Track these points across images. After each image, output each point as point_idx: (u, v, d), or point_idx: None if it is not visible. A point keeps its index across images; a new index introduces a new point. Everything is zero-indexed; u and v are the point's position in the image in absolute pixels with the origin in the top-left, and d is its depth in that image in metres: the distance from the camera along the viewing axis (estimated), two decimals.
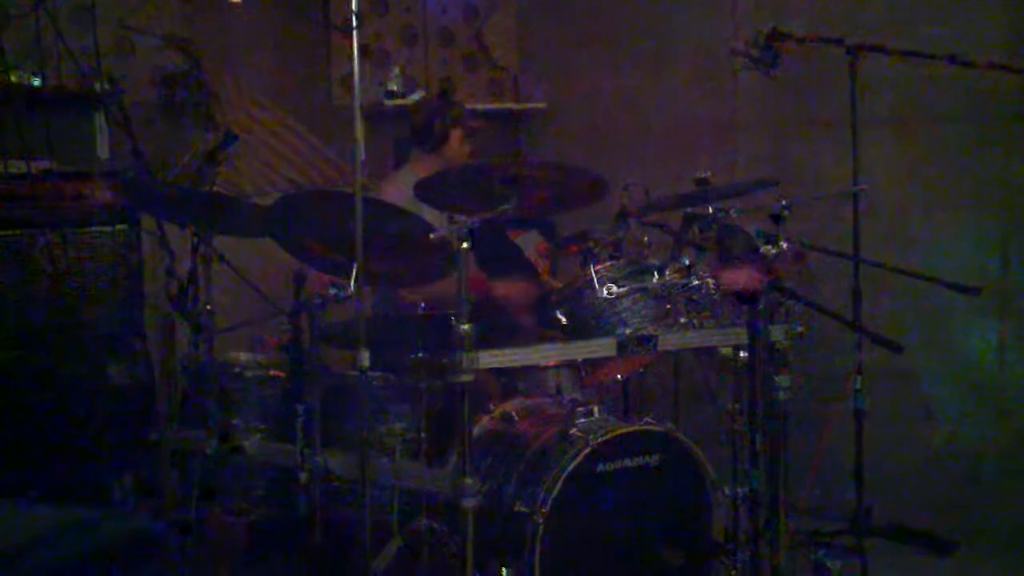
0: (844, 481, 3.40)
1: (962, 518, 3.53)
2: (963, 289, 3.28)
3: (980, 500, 3.51)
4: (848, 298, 3.33)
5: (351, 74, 2.68)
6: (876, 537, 3.41)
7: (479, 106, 4.48)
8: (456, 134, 3.83)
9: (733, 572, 2.95)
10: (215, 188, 3.13)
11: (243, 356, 3.16)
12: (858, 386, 3.40)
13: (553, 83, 4.81)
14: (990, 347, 3.59)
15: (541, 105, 4.87)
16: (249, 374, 3.05)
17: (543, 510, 2.70)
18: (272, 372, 3.04)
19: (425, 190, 2.90)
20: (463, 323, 2.60)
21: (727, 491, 3.02)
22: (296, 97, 4.48)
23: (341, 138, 4.55)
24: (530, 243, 4.36)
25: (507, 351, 2.74)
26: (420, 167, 3.79)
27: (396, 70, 4.65)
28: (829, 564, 3.37)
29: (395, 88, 4.61)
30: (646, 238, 3.18)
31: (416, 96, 4.58)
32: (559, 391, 3.30)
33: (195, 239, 3.04)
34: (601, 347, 2.85)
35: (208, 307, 3.05)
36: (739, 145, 4.02)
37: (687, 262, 3.09)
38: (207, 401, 2.97)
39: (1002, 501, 3.47)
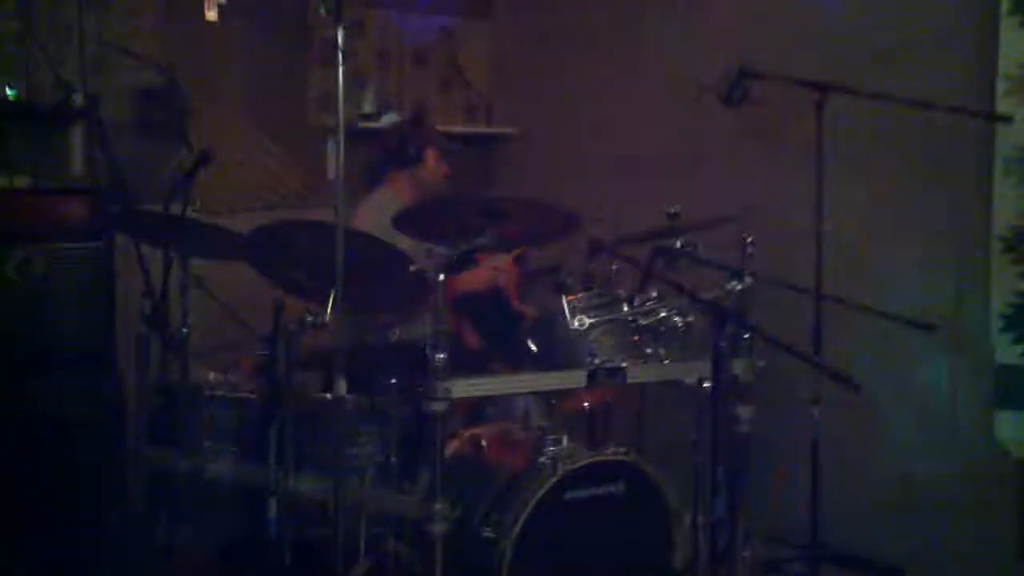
0: (801, 509, 3.51)
1: (911, 544, 3.64)
2: (919, 325, 3.41)
3: (929, 527, 3.63)
4: (809, 333, 3.46)
5: (326, 94, 2.73)
6: (828, 564, 3.52)
7: (452, 129, 4.55)
8: (431, 154, 3.89)
9: None
10: (191, 209, 3.18)
11: (213, 376, 3.20)
12: (816, 417, 3.52)
13: (526, 109, 4.88)
14: (942, 380, 3.71)
15: (513, 130, 4.94)
16: (219, 394, 3.09)
17: (511, 536, 2.76)
18: (243, 394, 3.08)
19: (403, 221, 2.95)
20: (438, 352, 2.67)
21: (688, 519, 3.12)
22: (271, 116, 4.52)
23: (314, 157, 4.61)
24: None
25: (481, 381, 2.81)
26: (395, 187, 3.85)
27: (369, 92, 4.71)
28: None
29: (369, 109, 4.66)
30: (615, 268, 3.26)
31: (389, 117, 4.64)
32: (527, 417, 3.38)
33: (169, 259, 3.09)
34: (572, 378, 2.92)
35: (184, 329, 3.10)
36: (708, 178, 4.11)
37: (654, 295, 3.18)
38: (178, 420, 3.02)
39: (950, 529, 3.59)
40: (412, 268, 2.63)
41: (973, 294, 3.63)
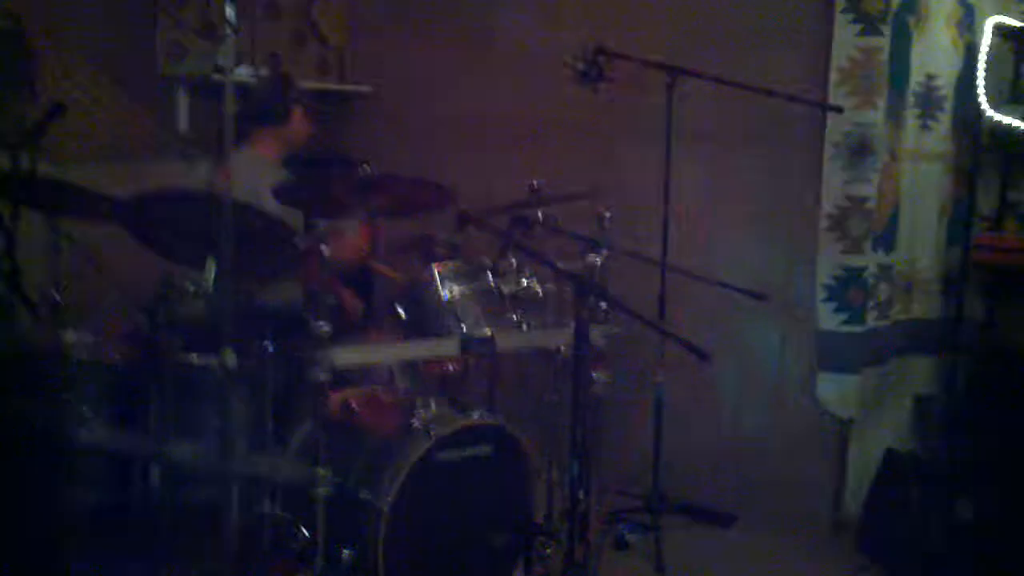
0: (645, 464, 3.79)
1: (743, 494, 4.00)
2: (752, 295, 3.71)
3: (759, 478, 3.98)
4: (656, 302, 3.71)
5: (177, 43, 2.71)
6: (669, 514, 3.83)
7: (305, 84, 4.54)
8: (297, 112, 3.89)
9: (549, 549, 3.26)
10: (41, 163, 3.09)
11: (79, 339, 3.15)
12: (660, 379, 3.80)
13: (381, 67, 4.89)
14: (773, 346, 4.05)
15: (367, 88, 4.96)
16: (86, 357, 3.06)
17: (388, 498, 2.89)
18: (112, 358, 3.05)
19: (282, 192, 2.99)
20: (320, 322, 2.75)
21: (546, 477, 3.33)
22: (119, 64, 4.39)
23: (166, 108, 4.51)
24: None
25: (361, 349, 2.91)
26: (262, 145, 3.83)
27: (225, 44, 4.62)
28: (628, 537, 3.78)
29: (223, 62, 4.58)
30: (478, 239, 3.40)
31: (243, 70, 4.58)
32: (391, 379, 3.49)
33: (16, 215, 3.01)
34: (446, 347, 3.06)
35: (53, 291, 3.04)
36: (569, 151, 4.27)
37: (513, 264, 3.35)
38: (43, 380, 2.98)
39: (777, 477, 3.95)
40: (300, 245, 2.69)
41: (801, 267, 3.96)
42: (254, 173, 3.47)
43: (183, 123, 4.54)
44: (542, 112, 4.34)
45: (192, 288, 2.81)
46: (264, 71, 4.49)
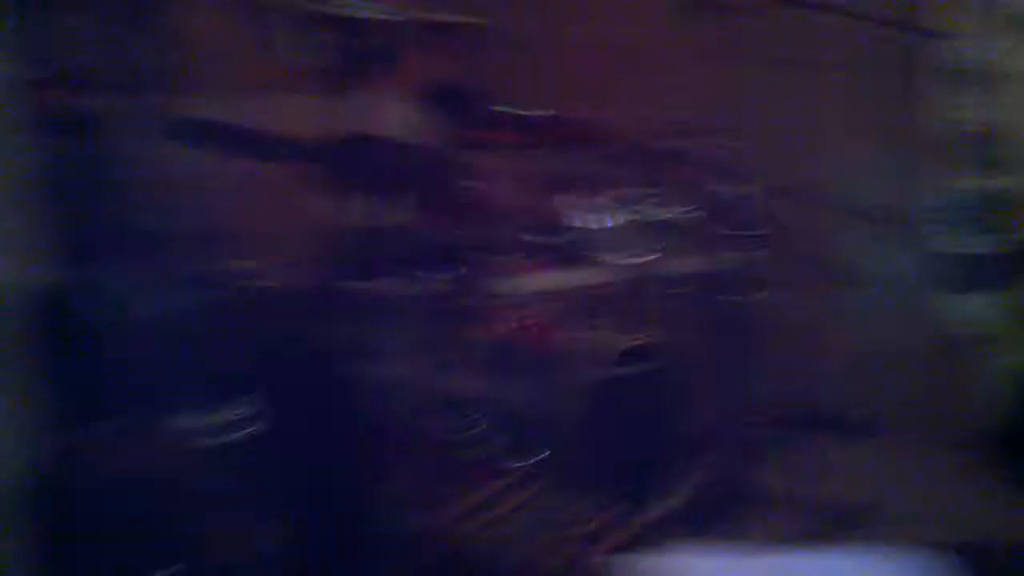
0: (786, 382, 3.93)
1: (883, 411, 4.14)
2: (883, 219, 3.81)
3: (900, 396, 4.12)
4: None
5: None
6: (808, 426, 3.98)
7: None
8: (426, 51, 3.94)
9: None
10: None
11: None
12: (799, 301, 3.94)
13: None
14: (905, 268, 4.16)
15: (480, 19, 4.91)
16: None
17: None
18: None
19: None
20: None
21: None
22: None
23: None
24: None
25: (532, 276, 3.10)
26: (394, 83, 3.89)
27: None
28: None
29: None
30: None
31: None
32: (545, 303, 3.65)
33: None
34: (604, 273, 3.24)
35: None
36: (685, 81, 4.32)
37: (661, 193, 3.51)
38: None
39: (917, 396, 4.08)
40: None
41: (929, 192, 4.07)
42: (390, 111, 3.62)
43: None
44: (656, 43, 4.38)
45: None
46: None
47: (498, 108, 3.23)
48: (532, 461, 3.05)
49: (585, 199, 3.34)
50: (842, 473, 3.78)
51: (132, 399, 2.55)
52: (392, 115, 3.35)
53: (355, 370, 2.85)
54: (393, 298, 2.80)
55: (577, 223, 3.30)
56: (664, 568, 2.37)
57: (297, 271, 3.21)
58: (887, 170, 4.14)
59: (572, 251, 3.38)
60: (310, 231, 3.18)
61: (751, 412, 3.45)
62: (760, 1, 3.77)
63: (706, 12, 3.84)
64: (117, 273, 2.68)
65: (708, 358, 3.48)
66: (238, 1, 3.72)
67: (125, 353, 2.56)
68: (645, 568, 2.38)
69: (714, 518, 3.29)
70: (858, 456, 4.00)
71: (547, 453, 3.06)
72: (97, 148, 2.84)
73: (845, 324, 4.23)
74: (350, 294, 3.01)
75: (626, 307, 3.64)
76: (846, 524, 3.28)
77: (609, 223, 3.31)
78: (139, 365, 2.54)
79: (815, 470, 3.73)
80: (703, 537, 3.07)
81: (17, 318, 2.44)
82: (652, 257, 3.32)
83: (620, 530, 3.03)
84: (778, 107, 3.79)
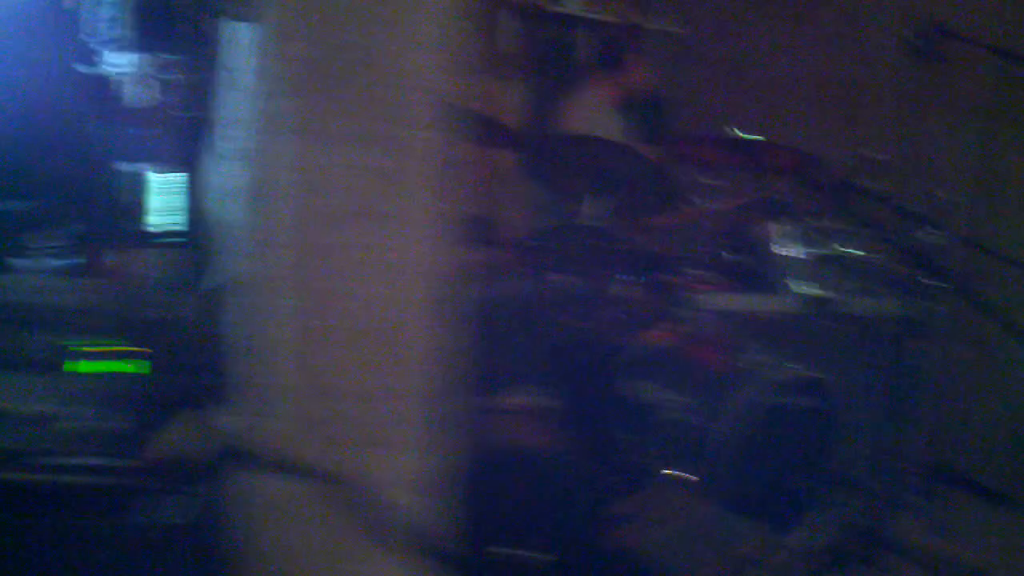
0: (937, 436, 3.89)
1: None
2: None
3: None
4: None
5: None
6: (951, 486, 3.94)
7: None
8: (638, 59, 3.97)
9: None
10: None
11: None
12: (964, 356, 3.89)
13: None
14: None
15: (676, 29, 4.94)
16: None
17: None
18: None
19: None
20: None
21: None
22: None
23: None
24: None
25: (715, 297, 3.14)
26: (602, 88, 3.97)
27: None
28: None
29: None
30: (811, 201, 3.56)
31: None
32: (708, 323, 3.69)
33: None
34: (781, 302, 3.25)
35: None
36: (883, 121, 4.31)
37: (846, 229, 3.51)
38: None
39: None
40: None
41: None
42: (595, 116, 3.71)
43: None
44: (860, 79, 4.38)
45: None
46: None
47: (711, 127, 3.26)
48: (688, 475, 3.11)
49: (783, 226, 3.36)
50: (977, 535, 3.75)
51: None
52: (612, 119, 3.42)
53: None
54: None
55: (772, 249, 3.33)
56: None
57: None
58: None
59: (762, 275, 3.42)
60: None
61: (903, 460, 3.44)
62: (981, 55, 3.71)
63: (928, 59, 3.82)
64: None
65: (873, 400, 3.48)
66: None
67: None
68: None
69: (847, 560, 3.31)
70: (997, 520, 3.96)
71: (704, 468, 3.12)
72: None
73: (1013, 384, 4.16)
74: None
75: (803, 338, 3.66)
76: None
77: (804, 254, 3.33)
78: None
79: (953, 528, 3.71)
80: None
81: None
82: (838, 292, 3.31)
83: (763, 555, 3.08)
84: (987, 161, 3.74)
